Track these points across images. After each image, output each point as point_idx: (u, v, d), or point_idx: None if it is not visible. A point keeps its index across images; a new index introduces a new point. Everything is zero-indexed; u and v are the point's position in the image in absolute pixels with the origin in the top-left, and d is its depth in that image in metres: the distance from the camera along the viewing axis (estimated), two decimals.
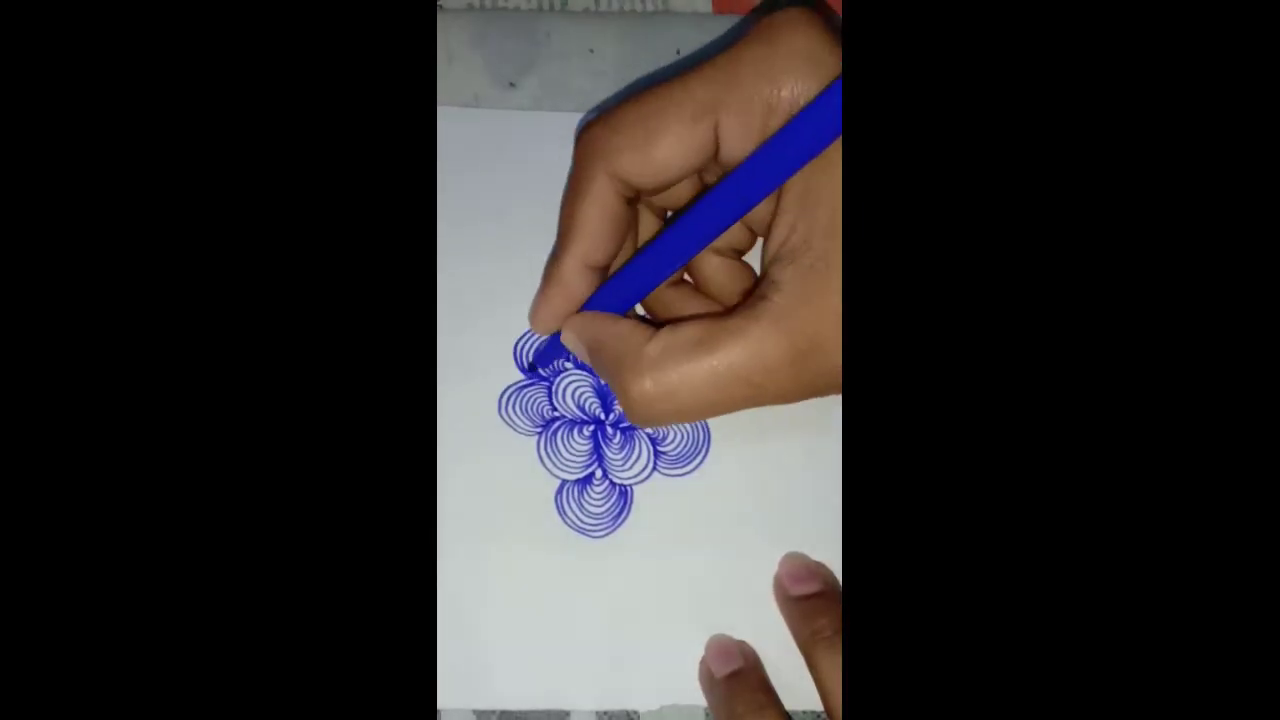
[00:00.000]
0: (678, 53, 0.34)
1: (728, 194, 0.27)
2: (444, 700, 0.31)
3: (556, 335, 0.31)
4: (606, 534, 0.32)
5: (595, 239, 0.29)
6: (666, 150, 0.27)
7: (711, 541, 0.32)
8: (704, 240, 0.28)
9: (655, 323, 0.28)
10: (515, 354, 0.33)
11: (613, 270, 0.30)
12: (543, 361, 0.33)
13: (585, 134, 0.29)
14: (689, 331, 0.27)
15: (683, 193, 0.30)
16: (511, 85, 0.34)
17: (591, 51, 0.34)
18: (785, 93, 0.26)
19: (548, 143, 0.34)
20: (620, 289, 0.29)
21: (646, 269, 0.29)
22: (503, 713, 0.31)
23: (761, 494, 0.32)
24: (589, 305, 0.30)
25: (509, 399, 0.33)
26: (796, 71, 0.26)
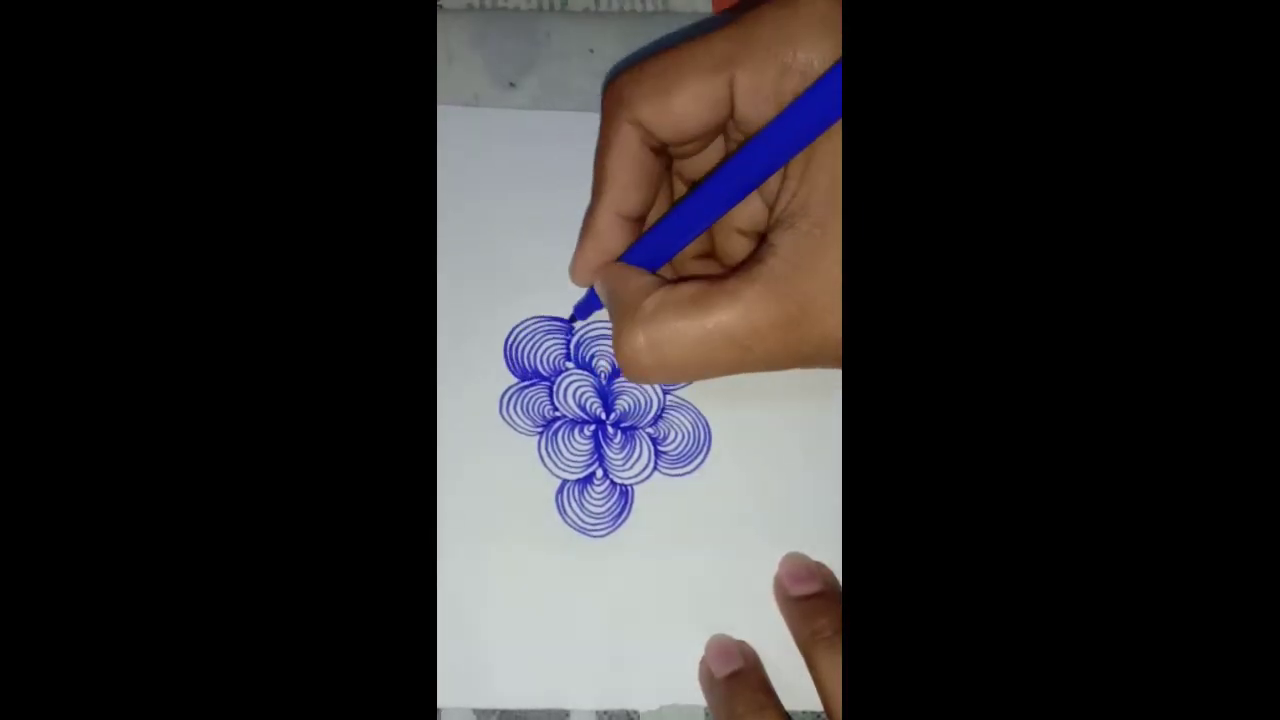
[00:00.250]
0: None
1: (748, 158, 0.27)
2: (444, 700, 0.31)
3: (593, 291, 0.31)
4: (607, 534, 0.32)
5: (624, 187, 0.29)
6: (684, 102, 0.28)
7: (711, 541, 0.32)
8: (727, 202, 0.28)
9: (673, 281, 0.29)
10: (505, 352, 0.33)
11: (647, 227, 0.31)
12: (581, 314, 0.33)
13: (611, 85, 0.29)
14: (685, 289, 0.27)
15: (710, 160, 0.31)
16: (511, 85, 0.34)
17: (591, 51, 0.35)
18: (801, 55, 0.26)
19: (548, 142, 0.34)
20: (648, 247, 0.30)
21: (672, 229, 0.29)
22: (503, 712, 0.31)
23: (761, 494, 0.32)
24: (624, 260, 0.30)
25: (510, 399, 0.33)
26: (813, 35, 0.26)
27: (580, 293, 0.33)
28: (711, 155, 0.31)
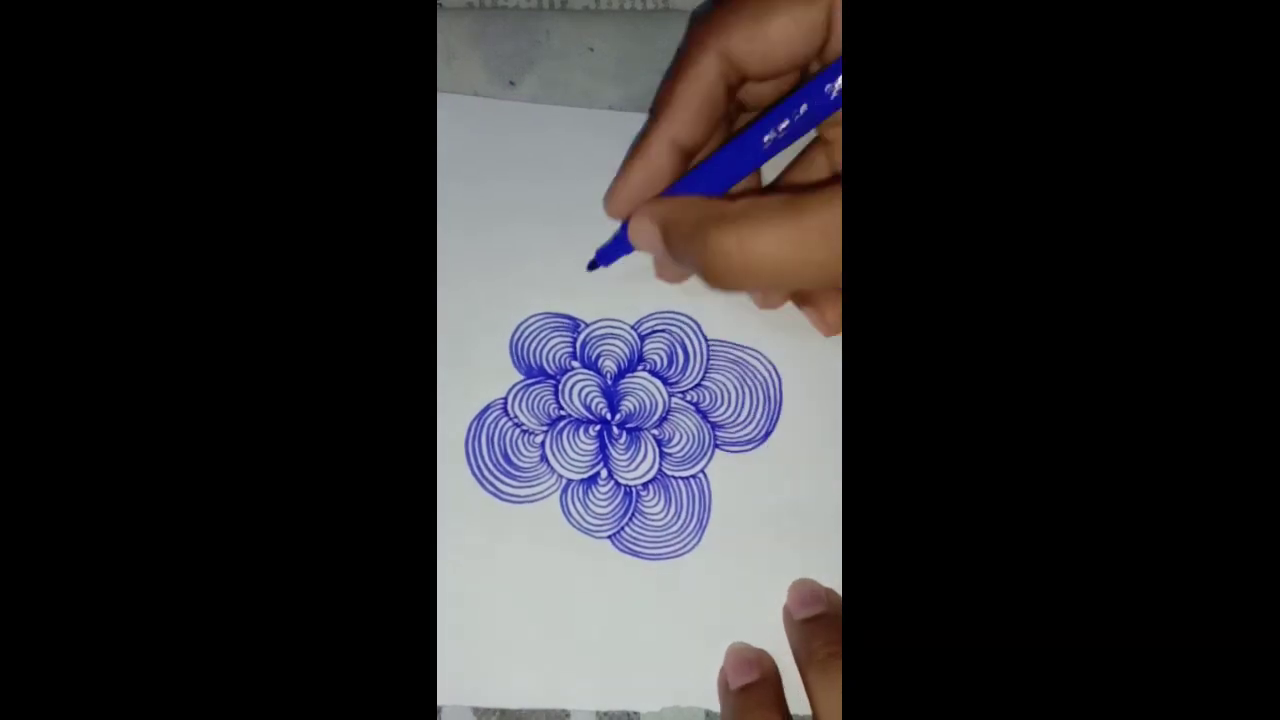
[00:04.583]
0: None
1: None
2: (444, 698, 0.31)
3: (623, 230, 0.30)
4: (610, 534, 0.32)
5: (689, 119, 0.28)
6: (780, 28, 0.27)
7: (713, 543, 0.32)
8: (805, 129, 0.27)
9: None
10: (511, 347, 0.33)
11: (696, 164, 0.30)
12: (604, 259, 0.32)
13: (701, 16, 0.29)
14: (777, 195, 0.26)
15: (767, 96, 0.30)
16: (511, 84, 0.34)
17: (591, 50, 0.34)
18: None
19: (548, 136, 0.34)
20: (704, 178, 0.29)
21: (741, 155, 0.28)
22: (503, 711, 0.31)
23: (764, 495, 0.32)
24: (668, 193, 0.29)
25: (515, 397, 0.33)
26: None
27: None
28: (769, 90, 0.30)
